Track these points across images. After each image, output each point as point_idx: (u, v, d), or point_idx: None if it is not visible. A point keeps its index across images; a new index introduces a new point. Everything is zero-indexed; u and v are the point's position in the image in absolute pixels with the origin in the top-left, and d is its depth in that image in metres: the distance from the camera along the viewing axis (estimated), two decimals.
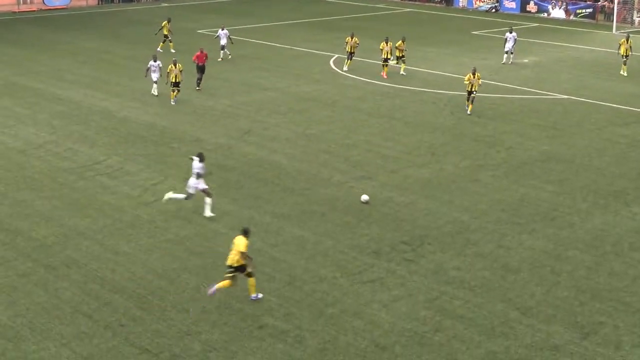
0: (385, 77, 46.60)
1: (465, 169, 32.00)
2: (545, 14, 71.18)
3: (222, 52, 51.77)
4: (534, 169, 31.89)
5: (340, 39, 59.01)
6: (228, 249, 21.99)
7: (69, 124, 37.93)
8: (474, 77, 38.83)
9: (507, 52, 51.03)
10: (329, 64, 50.81)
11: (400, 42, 47.06)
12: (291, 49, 56.20)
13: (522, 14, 72.14)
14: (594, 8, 69.03)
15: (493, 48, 54.33)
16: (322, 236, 25.76)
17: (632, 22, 65.93)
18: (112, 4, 79.59)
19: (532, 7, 72.38)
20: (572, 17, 69.91)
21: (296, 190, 29.74)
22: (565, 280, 22.85)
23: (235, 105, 41.31)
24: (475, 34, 62.24)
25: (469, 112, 39.20)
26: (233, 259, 21.54)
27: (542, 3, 72.12)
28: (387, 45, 46.63)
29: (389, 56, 46.72)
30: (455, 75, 47.52)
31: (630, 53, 47.68)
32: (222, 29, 52.38)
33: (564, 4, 70.96)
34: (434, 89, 44.51)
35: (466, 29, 64.47)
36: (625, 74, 47.42)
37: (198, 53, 44.11)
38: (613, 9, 65.13)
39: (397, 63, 47.36)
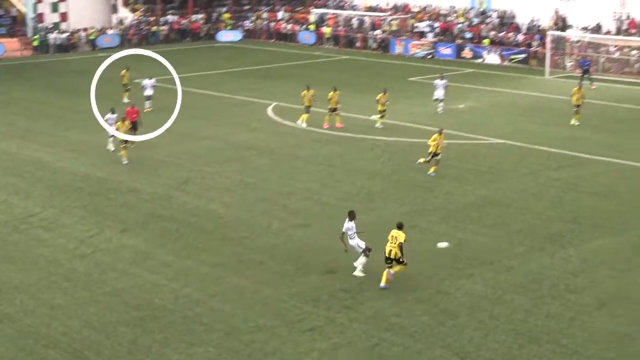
0: (327, 127, 46.40)
1: (404, 214, 32.08)
2: (480, 60, 72.19)
3: (147, 102, 51.37)
4: (472, 214, 32.11)
5: (278, 87, 59.44)
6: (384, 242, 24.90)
7: (2, 176, 37.49)
8: (440, 137, 37.18)
9: (436, 100, 50.56)
10: (267, 112, 50.90)
11: (381, 94, 46.38)
12: (229, 97, 56.27)
13: (457, 59, 73.10)
14: (527, 54, 70.15)
15: (429, 94, 54.70)
16: (261, 285, 25.63)
17: (564, 67, 67.06)
18: (47, 54, 79.15)
19: (467, 53, 73.39)
20: (506, 62, 70.97)
21: (235, 239, 29.61)
22: (503, 324, 22.95)
23: (173, 155, 41.13)
24: (412, 80, 62.85)
25: (433, 174, 37.14)
26: (391, 251, 24.97)
27: (476, 49, 73.16)
28: (335, 94, 46.32)
29: (337, 106, 46.41)
30: (392, 121, 47.80)
31: (582, 102, 47.07)
32: (150, 79, 52.19)
33: (498, 49, 72.02)
34: (372, 136, 44.73)
35: (403, 75, 65.09)
36: (578, 123, 46.83)
37: (129, 109, 43.16)
38: (546, 54, 66.20)
39: (380, 117, 46.59)
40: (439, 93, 50.49)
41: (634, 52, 65.18)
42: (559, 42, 67.83)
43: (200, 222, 31.39)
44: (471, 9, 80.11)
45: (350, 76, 64.29)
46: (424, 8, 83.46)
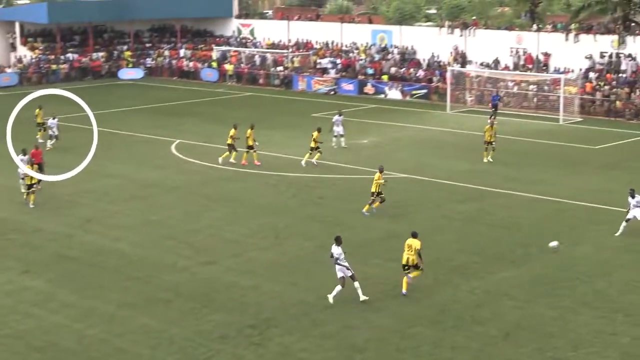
0: (245, 163, 46.08)
1: (309, 250, 32.20)
2: (383, 95, 72.99)
3: (49, 142, 50.91)
4: (377, 248, 32.34)
5: (182, 124, 59.17)
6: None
7: None
8: (380, 175, 36.80)
9: (336, 136, 50.62)
10: (171, 150, 50.59)
11: (316, 132, 46.12)
12: (132, 135, 55.80)
13: (360, 95, 73.75)
14: (429, 89, 71.21)
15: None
16: (167, 323, 25.38)
17: (465, 102, 68.24)
18: None
19: (369, 89, 74.15)
20: (408, 97, 71.87)
21: (140, 277, 29.29)
22: (410, 357, 23.11)
23: (77, 193, 40.59)
24: (316, 116, 63.17)
25: (367, 213, 36.84)
26: (408, 259, 27.22)
27: (378, 85, 73.98)
28: (252, 131, 46.10)
29: (254, 143, 46.15)
30: (297, 157, 47.96)
31: (494, 139, 47.21)
32: (53, 118, 51.60)
33: (400, 85, 72.96)
34: (276, 172, 44.81)
35: (306, 111, 65.40)
36: (491, 160, 46.87)
37: (33, 151, 42.16)
38: (446, 89, 67.31)
39: (310, 155, 46.08)
40: (339, 129, 50.86)
41: (532, 86, 66.68)
42: (459, 78, 69.07)
43: (105, 261, 30.98)
44: (372, 45, 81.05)
45: (254, 113, 64.33)
46: (326, 44, 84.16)
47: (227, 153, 46.51)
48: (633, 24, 70.38)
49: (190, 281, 28.97)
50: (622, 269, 29.98)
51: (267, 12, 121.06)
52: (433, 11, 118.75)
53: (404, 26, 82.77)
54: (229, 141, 46.31)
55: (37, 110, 54.12)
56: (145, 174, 44.58)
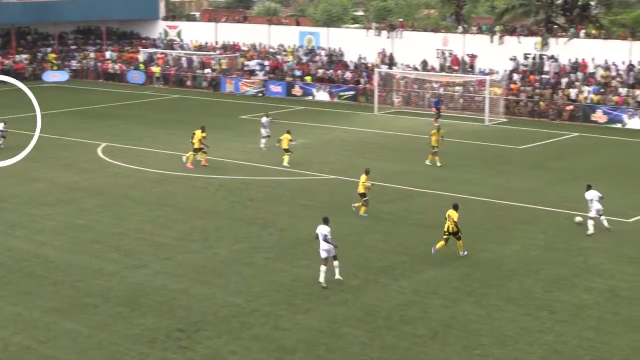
0: (191, 167, 45.94)
1: (239, 252, 32.13)
2: (311, 97, 73.16)
3: None
4: (307, 249, 32.35)
5: (108, 127, 58.61)
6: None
7: None
8: (365, 178, 36.96)
9: (265, 137, 50.88)
10: (97, 153, 50.05)
11: (286, 134, 46.54)
12: (58, 138, 55.08)
13: (288, 97, 73.84)
14: (356, 90, 71.52)
15: (259, 132, 55.06)
16: (95, 329, 25.10)
17: (392, 103, 68.68)
18: None
19: (297, 90, 74.26)
20: (336, 99, 72.13)
21: (67, 282, 28.93)
22: (340, 358, 23.18)
23: (1, 198, 39.96)
24: (244, 118, 63.10)
25: (363, 214, 37.08)
26: (449, 227, 31.05)
27: (306, 87, 74.13)
28: (202, 133, 45.94)
29: (200, 146, 45.89)
30: (225, 159, 47.88)
31: (440, 142, 46.90)
32: (5, 123, 51.49)
33: (327, 87, 73.18)
34: (204, 174, 44.62)
35: (234, 113, 65.25)
36: (439, 164, 46.50)
37: None
38: (374, 91, 67.68)
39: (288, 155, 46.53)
40: (265, 131, 51.01)
41: (458, 88, 67.37)
42: (386, 79, 69.49)
43: (30, 267, 30.54)
44: (300, 47, 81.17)
45: (181, 115, 64.09)
46: (253, 46, 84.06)
47: (193, 154, 46.42)
48: (555, 26, 71.66)
49: (118, 285, 28.70)
50: (548, 266, 30.43)
51: (194, 14, 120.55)
52: (360, 13, 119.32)
53: (332, 28, 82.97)
54: (197, 145, 46.08)
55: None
56: (72, 178, 44.06)
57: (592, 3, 72.87)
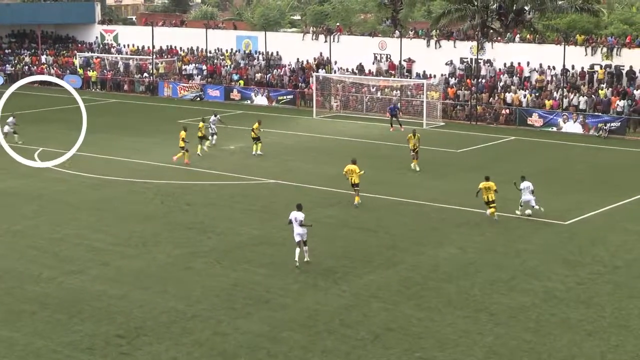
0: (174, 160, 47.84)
1: (178, 257, 31.97)
2: (249, 101, 73.05)
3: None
4: (246, 253, 32.33)
5: (45, 131, 57.90)
6: None
7: None
8: (351, 167, 38.93)
9: (212, 134, 52.91)
10: (34, 158, 49.43)
11: (256, 124, 50.60)
12: None
13: (226, 101, 73.65)
14: (294, 95, 71.58)
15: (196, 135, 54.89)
16: (33, 336, 24.79)
17: (331, 108, 68.85)
18: None
19: (235, 94, 74.11)
20: (274, 103, 72.12)
21: (2, 289, 28.53)
22: None
23: None
24: (182, 122, 62.67)
25: (356, 204, 39.19)
26: (489, 196, 36.28)
27: (245, 91, 74.01)
28: (185, 133, 47.57)
29: (186, 143, 47.41)
30: (162, 164, 47.65)
31: (418, 147, 46.81)
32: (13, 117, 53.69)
33: (266, 91, 73.14)
34: (142, 179, 44.33)
35: (172, 117, 64.84)
36: (418, 169, 46.64)
37: None
38: (312, 95, 67.80)
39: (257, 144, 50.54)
40: (213, 129, 52.73)
41: (395, 92, 67.72)
42: (324, 83, 69.62)
43: None
44: (237, 51, 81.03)
45: (119, 119, 63.61)
46: (191, 51, 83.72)
47: (181, 154, 47.58)
48: (491, 31, 72.40)
49: (55, 291, 28.37)
50: (486, 269, 30.71)
51: (131, 18, 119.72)
52: (297, 17, 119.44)
53: (269, 32, 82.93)
54: (181, 144, 47.29)
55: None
56: (7, 183, 43.49)
57: (527, 8, 73.75)
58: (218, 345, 24.18)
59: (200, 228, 35.71)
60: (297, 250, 30.79)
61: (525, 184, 37.00)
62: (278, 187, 43.10)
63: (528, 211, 37.05)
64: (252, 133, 50.30)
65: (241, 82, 75.28)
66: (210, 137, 52.13)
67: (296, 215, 30.94)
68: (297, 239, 30.89)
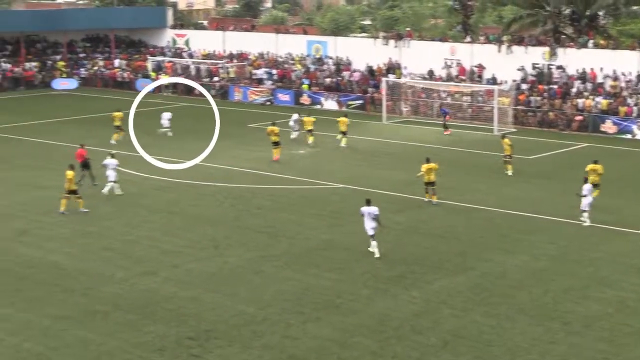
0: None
1: (249, 260, 32.15)
2: (319, 106, 73.16)
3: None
4: (316, 258, 32.40)
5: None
6: None
7: None
8: (430, 165, 40.03)
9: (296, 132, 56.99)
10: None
11: (343, 117, 55.86)
12: (67, 146, 55.02)
13: (296, 105, 73.79)
14: (364, 99, 71.54)
15: (267, 140, 55.07)
16: (105, 336, 25.13)
17: (401, 112, 68.67)
18: None
19: (305, 99, 74.29)
20: (344, 108, 72.14)
21: (77, 290, 28.97)
22: None
23: (10, 205, 40.09)
24: (252, 127, 63.13)
25: (434, 202, 40.31)
26: (593, 179, 38.31)
27: (314, 95, 74.16)
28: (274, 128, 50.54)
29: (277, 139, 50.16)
30: (232, 167, 47.96)
31: (512, 151, 47.24)
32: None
33: (336, 95, 73.23)
34: (213, 182, 44.68)
35: (242, 121, 65.26)
36: (510, 174, 46.86)
37: (79, 150, 44.86)
38: (382, 100, 67.70)
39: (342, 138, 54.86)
40: (295, 126, 57.17)
41: (465, 97, 67.36)
42: (394, 88, 69.49)
43: (40, 274, 30.60)
44: (307, 55, 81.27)
45: (190, 123, 64.11)
46: (261, 55, 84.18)
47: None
48: (563, 36, 71.64)
49: (128, 293, 28.73)
50: (558, 276, 30.39)
51: (202, 23, 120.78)
52: (368, 22, 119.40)
53: (339, 37, 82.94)
54: (275, 139, 50.13)
55: (116, 112, 57.44)
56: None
57: (600, 13, 72.84)
58: (287, 349, 24.26)
59: (270, 232, 35.87)
60: (373, 243, 32.29)
61: (587, 188, 37.02)
62: (348, 192, 43.10)
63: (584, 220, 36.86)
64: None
65: (305, 85, 75.44)
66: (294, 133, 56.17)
67: (369, 210, 32.37)
68: (370, 232, 32.35)
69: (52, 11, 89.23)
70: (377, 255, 32.09)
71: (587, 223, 36.40)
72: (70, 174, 38.38)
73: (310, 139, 54.59)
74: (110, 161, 41.81)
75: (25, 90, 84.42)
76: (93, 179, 43.32)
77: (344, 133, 54.62)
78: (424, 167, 40.19)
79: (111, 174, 41.45)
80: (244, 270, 31.08)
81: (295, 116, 58.28)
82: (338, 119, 55.94)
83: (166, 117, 59.59)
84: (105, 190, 41.49)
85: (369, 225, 32.38)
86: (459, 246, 34.09)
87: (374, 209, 32.43)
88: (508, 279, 30.22)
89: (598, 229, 36.28)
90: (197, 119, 67.23)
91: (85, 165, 43.65)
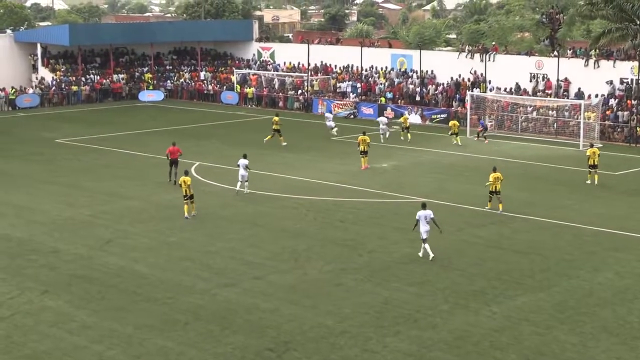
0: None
1: (329, 273, 32.14)
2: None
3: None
4: (396, 272, 32.25)
5: (201, 146, 59.21)
6: None
7: None
8: (497, 174, 40.99)
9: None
10: (191, 172, 50.54)
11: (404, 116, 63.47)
12: (152, 157, 55.87)
13: (379, 119, 73.53)
14: (448, 113, 71.16)
15: (351, 153, 55.13)
16: (186, 346, 25.34)
17: (486, 127, 67.97)
18: None
19: (389, 113, 74.09)
20: (427, 122, 71.88)
21: (159, 299, 29.28)
22: None
23: (95, 215, 40.72)
24: (333, 140, 63.22)
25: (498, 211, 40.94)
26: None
27: (398, 109, 73.96)
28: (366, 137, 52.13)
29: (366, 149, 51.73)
30: (315, 180, 48.07)
31: (596, 160, 47.74)
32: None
33: (419, 109, 72.98)
34: (295, 195, 44.83)
35: (325, 134, 65.35)
36: (596, 183, 47.56)
37: (170, 147, 47.24)
38: (466, 114, 67.24)
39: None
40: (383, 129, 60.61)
41: (551, 112, 66.53)
42: (478, 103, 68.97)
43: (124, 283, 31.01)
44: (392, 69, 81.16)
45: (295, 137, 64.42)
46: (345, 68, 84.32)
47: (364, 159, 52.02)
48: None
49: (209, 303, 28.94)
50: None
51: (288, 36, 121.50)
52: (453, 36, 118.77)
53: (424, 50, 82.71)
54: (364, 148, 51.89)
55: (275, 117, 62.10)
56: (165, 196, 44.63)
57: None
58: None
59: (351, 245, 35.83)
60: (423, 246, 33.67)
61: None
62: (431, 206, 42.70)
63: None
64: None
65: (382, 99, 75.58)
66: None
67: (425, 213, 33.66)
68: (424, 236, 33.55)
69: (141, 24, 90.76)
70: (432, 255, 33.39)
71: None
72: (187, 179, 39.97)
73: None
74: (242, 161, 44.68)
75: (113, 101, 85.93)
76: (177, 177, 45.39)
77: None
78: (492, 176, 41.01)
79: (243, 173, 44.63)
80: (324, 282, 31.08)
81: (384, 120, 63.18)
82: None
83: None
84: (238, 187, 44.74)
85: (424, 229, 33.52)
86: (542, 262, 33.61)
87: (429, 212, 33.70)
88: (592, 297, 29.67)
89: None
90: (289, 132, 67.51)
91: (174, 162, 46.81)
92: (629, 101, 64.75)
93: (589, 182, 47.72)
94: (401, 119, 64.14)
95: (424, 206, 34.26)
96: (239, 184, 44.79)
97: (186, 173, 40.74)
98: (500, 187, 40.87)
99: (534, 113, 67.36)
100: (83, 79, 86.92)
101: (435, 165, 53.85)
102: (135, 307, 28.51)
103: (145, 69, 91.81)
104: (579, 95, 67.56)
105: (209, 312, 28.08)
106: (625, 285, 31.00)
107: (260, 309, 28.37)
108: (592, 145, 48.72)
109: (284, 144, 59.53)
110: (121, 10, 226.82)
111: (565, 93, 69.43)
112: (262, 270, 32.48)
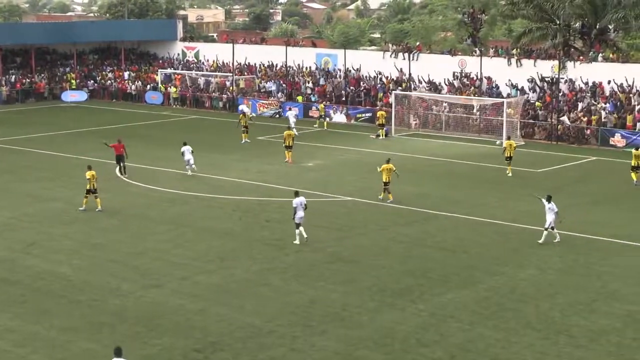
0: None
1: (256, 273, 32.13)
2: (328, 119, 73.08)
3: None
4: (323, 271, 32.36)
5: (127, 147, 58.58)
6: None
7: None
8: (389, 166, 42.89)
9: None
10: (115, 173, 50.10)
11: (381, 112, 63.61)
12: (76, 158, 55.23)
13: (305, 118, 73.75)
14: (373, 112, 71.50)
15: (276, 153, 55.16)
16: (112, 348, 24.91)
17: (410, 125, 68.60)
18: None
19: (314, 112, 74.22)
20: (352, 121, 72.17)
21: (84, 301, 28.99)
22: None
23: (18, 217, 40.16)
24: (260, 139, 63.15)
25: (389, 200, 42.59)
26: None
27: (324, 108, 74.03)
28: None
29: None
30: (241, 180, 47.99)
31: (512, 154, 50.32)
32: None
33: (345, 108, 73.25)
34: (221, 195, 44.69)
35: (251, 134, 65.14)
36: (510, 174, 49.97)
37: (115, 143, 49.04)
38: (391, 112, 67.65)
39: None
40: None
41: (474, 110, 67.25)
42: (403, 101, 69.45)
43: (48, 286, 30.63)
44: (316, 69, 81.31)
45: (199, 135, 64.17)
46: (270, 67, 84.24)
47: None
48: (572, 50, 71.53)
49: (135, 305, 28.74)
50: (565, 290, 30.29)
51: (212, 35, 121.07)
52: (377, 35, 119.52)
53: (348, 50, 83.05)
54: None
55: (241, 115, 63.99)
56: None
57: (610, 27, 72.69)
58: None
59: (277, 245, 35.85)
60: (297, 231, 35.44)
61: (551, 206, 35.94)
62: (355, 204, 43.08)
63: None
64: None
65: (299, 97, 75.81)
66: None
67: (301, 200, 35.46)
68: (298, 221, 35.42)
69: (63, 23, 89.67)
70: (305, 236, 35.37)
71: (541, 240, 36.06)
72: (89, 173, 40.84)
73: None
74: (186, 147, 48.96)
75: (35, 102, 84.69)
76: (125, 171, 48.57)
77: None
78: (383, 167, 42.82)
79: (188, 157, 48.72)
80: (251, 282, 31.07)
81: (293, 112, 66.53)
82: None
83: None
84: (189, 172, 48.74)
85: (299, 215, 35.33)
86: (467, 260, 34.01)
87: (303, 199, 35.61)
88: (516, 293, 30.11)
89: (607, 243, 36.20)
90: (205, 132, 67.23)
91: (120, 158, 48.81)
92: (548, 99, 65.74)
93: (510, 174, 49.59)
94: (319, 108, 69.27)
95: (296, 194, 35.89)
96: (188, 168, 48.70)
97: (89, 168, 41.67)
98: (391, 178, 42.74)
99: (457, 111, 67.99)
100: (3, 78, 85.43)
101: (360, 164, 54.02)
102: (59, 310, 28.18)
103: (68, 69, 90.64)
104: (501, 93, 68.46)
105: (135, 314, 27.89)
106: (548, 281, 31.52)
107: (187, 309, 28.26)
108: (508, 138, 50.90)
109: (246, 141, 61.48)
110: (42, 10, 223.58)
111: (488, 91, 70.26)
112: (188, 270, 32.35)
